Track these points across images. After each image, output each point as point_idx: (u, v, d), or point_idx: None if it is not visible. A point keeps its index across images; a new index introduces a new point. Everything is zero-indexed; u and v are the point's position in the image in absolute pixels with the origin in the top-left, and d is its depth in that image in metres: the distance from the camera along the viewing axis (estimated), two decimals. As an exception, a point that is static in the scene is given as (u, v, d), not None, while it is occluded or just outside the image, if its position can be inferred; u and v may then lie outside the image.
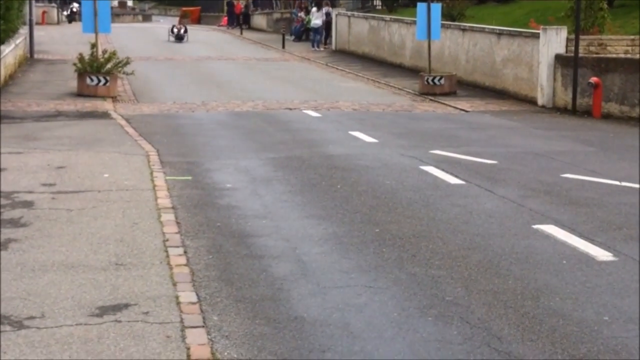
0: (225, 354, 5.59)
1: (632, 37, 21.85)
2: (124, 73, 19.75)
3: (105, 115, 16.82)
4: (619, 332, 5.99)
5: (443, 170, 11.79)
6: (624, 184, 11.06)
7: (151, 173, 11.05)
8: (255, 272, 7.29)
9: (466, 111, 19.00)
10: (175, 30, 40.33)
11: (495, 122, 17.38)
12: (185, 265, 7.37)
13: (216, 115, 17.51)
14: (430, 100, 20.83)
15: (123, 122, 15.81)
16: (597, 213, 9.46)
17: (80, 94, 19.16)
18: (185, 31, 40.12)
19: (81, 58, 19.32)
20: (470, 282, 7.09)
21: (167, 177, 10.95)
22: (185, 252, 7.75)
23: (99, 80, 19.15)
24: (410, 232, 8.60)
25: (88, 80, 19.15)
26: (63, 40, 35.97)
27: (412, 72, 25.55)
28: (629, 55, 20.05)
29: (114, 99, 19.13)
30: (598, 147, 14.26)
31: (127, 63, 19.43)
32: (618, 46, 21.19)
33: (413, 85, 22.91)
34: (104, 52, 19.86)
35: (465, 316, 6.29)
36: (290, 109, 18.74)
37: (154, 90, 21.46)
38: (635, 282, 7.10)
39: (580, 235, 8.51)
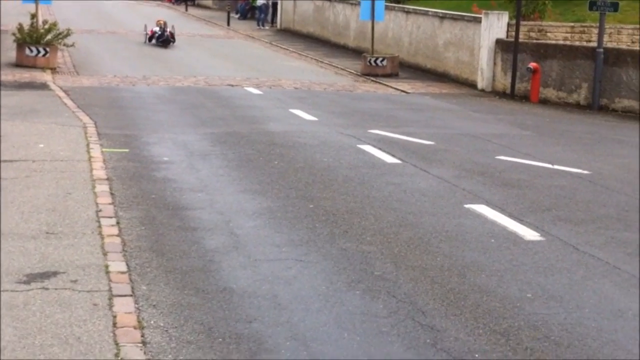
0: (152, 322, 5.60)
1: (572, 24, 22.23)
2: (64, 45, 19.45)
3: (43, 86, 16.58)
4: (541, 309, 6.14)
5: (380, 149, 11.90)
6: (556, 167, 11.29)
7: (87, 145, 10.94)
8: (187, 244, 7.30)
9: (407, 92, 19.15)
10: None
11: (435, 104, 17.55)
12: (117, 235, 7.34)
13: (157, 90, 17.38)
14: (372, 81, 20.94)
15: (61, 94, 15.61)
16: (528, 194, 9.66)
17: (19, 64, 18.84)
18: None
19: (20, 28, 18.99)
20: (399, 258, 7.19)
21: (104, 149, 10.87)
22: (117, 222, 7.72)
23: (39, 51, 18.85)
24: (344, 208, 8.69)
25: (27, 51, 18.83)
26: (3, 11, 35.21)
27: (356, 52, 25.64)
28: (567, 42, 20.40)
29: (54, 70, 18.86)
30: (534, 131, 14.51)
31: (67, 35, 19.15)
32: (558, 33, 21.54)
33: (355, 65, 23.00)
34: (45, 23, 19.53)
35: (392, 291, 6.39)
36: (232, 85, 18.68)
37: (94, 63, 21.19)
38: (560, 261, 7.28)
39: (510, 215, 8.68)
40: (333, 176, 10.15)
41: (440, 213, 8.68)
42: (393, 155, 11.52)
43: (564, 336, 5.65)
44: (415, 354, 5.27)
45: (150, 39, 26.32)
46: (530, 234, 8.02)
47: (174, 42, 26.09)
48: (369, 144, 12.28)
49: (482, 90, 19.90)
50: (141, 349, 5.15)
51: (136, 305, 5.85)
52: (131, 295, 6.01)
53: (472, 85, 20.39)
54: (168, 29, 26.22)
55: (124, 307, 5.78)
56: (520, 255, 7.38)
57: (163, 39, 25.94)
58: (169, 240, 7.39)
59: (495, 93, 19.66)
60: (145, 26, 27.09)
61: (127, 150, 11.04)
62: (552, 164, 11.43)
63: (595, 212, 9.01)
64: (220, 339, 5.39)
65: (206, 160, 10.77)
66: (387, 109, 16.32)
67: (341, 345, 5.38)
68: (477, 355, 5.29)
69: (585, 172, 11.03)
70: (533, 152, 12.29)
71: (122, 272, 6.44)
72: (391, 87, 19.96)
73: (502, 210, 8.83)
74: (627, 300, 6.37)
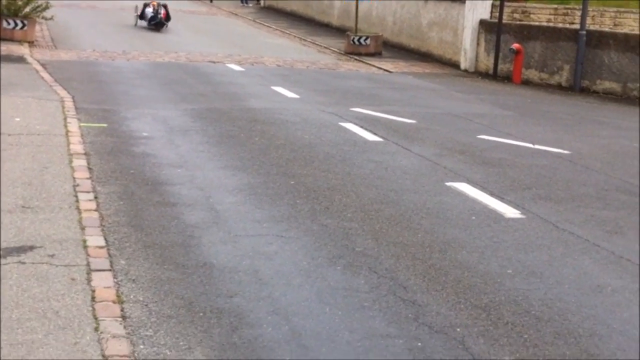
0: (131, 296, 5.55)
1: (555, 6, 22.22)
2: (42, 18, 19.23)
3: (21, 59, 16.38)
4: (521, 285, 6.14)
5: (362, 127, 11.86)
6: (537, 146, 11.29)
7: (65, 119, 10.83)
8: (167, 219, 7.23)
9: (389, 72, 19.10)
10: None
11: (418, 83, 17.51)
12: (95, 210, 7.26)
13: (137, 65, 17.22)
14: (355, 59, 20.87)
15: (39, 68, 15.44)
16: (508, 173, 9.65)
17: (-4, 37, 18.63)
18: None
19: (-2, 1, 18.76)
20: (380, 234, 7.16)
21: (81, 124, 10.76)
22: (95, 197, 7.64)
23: (16, 24, 18.63)
24: (325, 185, 8.64)
25: (5, 24, 18.60)
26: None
27: (339, 31, 25.54)
28: (550, 24, 20.40)
29: (31, 44, 18.65)
30: (515, 111, 14.51)
31: (46, 8, 18.94)
32: (541, 14, 21.54)
33: (339, 44, 22.91)
34: (23, -5, 19.29)
35: (373, 266, 6.37)
36: (214, 62, 18.55)
37: (73, 37, 20.97)
38: (540, 238, 7.28)
39: (491, 193, 8.67)
40: (314, 153, 10.10)
41: (422, 190, 8.66)
42: (375, 133, 11.48)
43: (544, 311, 5.65)
44: (397, 328, 5.25)
45: (141, 18, 24.15)
46: (510, 212, 8.02)
47: (167, 25, 23.90)
48: (350, 121, 12.23)
49: (465, 71, 19.88)
50: (120, 323, 5.09)
51: (115, 280, 5.79)
52: (110, 270, 5.94)
53: (455, 65, 20.36)
54: (162, 11, 23.82)
55: (103, 281, 5.71)
56: (500, 232, 7.38)
57: (156, 22, 23.65)
58: (148, 215, 7.33)
59: (478, 73, 19.65)
60: (137, 7, 24.59)
61: (105, 125, 10.93)
62: (533, 144, 11.44)
63: (575, 190, 9.02)
64: (201, 314, 5.34)
65: (186, 136, 10.69)
66: (369, 88, 16.27)
67: (323, 319, 5.35)
68: (458, 330, 5.28)
69: (566, 152, 11.04)
70: (514, 132, 12.29)
71: (101, 247, 6.37)
72: (374, 66, 19.90)
73: (483, 189, 8.82)
74: (606, 277, 6.39)
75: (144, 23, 24.16)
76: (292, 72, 17.90)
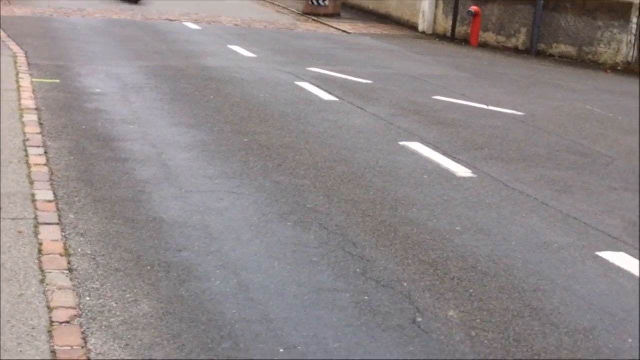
0: (79, 250, 5.52)
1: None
2: (-4, -27, 18.87)
3: (-27, 15, 16.09)
4: (469, 241, 6.21)
5: (318, 87, 11.84)
6: (491, 108, 11.38)
7: (17, 74, 10.67)
8: (118, 175, 7.19)
9: (348, 33, 19.05)
10: None
11: (375, 44, 17.50)
12: (45, 165, 7.19)
13: (92, 22, 16.99)
14: (314, 20, 20.79)
15: (-8, 23, 15.18)
16: (462, 133, 9.72)
17: (-52, -8, 18.25)
18: None
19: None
20: (332, 191, 7.19)
21: (34, 80, 10.61)
22: (45, 152, 7.56)
23: (-32, -20, 18.25)
24: (279, 143, 8.64)
25: (-44, -21, 18.22)
26: None
27: (298, -8, 25.37)
28: (508, -13, 20.44)
29: (-16, -1, 18.31)
30: (471, 74, 14.57)
31: (-1, -37, 18.55)
32: (499, -23, 21.55)
33: (298, 5, 22.78)
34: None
35: (324, 223, 6.40)
36: (170, 20, 18.36)
37: (28, -6, 20.61)
38: (490, 196, 7.36)
39: (444, 153, 8.73)
40: (269, 112, 10.08)
41: (375, 149, 8.69)
42: (331, 93, 11.48)
43: (490, 267, 5.73)
44: (345, 283, 5.30)
45: None
46: (462, 171, 8.09)
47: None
48: (307, 81, 12.20)
49: (423, 33, 19.90)
50: (67, 276, 5.07)
51: (63, 234, 5.75)
52: (58, 224, 5.90)
53: (413, 27, 20.37)
54: None
55: (51, 235, 5.67)
56: (451, 190, 7.45)
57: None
58: (98, 170, 7.27)
59: (436, 36, 19.68)
60: None
61: (58, 81, 10.79)
62: (487, 105, 11.52)
63: (526, 151, 9.12)
64: (149, 267, 5.34)
65: (140, 93, 10.59)
66: (327, 48, 16.22)
67: (271, 274, 5.37)
68: (405, 284, 5.34)
69: (520, 113, 11.14)
70: (469, 94, 12.36)
71: (49, 201, 6.32)
72: (332, 27, 19.83)
73: (436, 148, 8.88)
74: (553, 234, 6.49)
75: None
76: (250, 32, 17.77)
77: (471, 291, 5.33)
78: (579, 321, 4.99)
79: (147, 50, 14.01)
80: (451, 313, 4.98)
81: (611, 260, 6.00)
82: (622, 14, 16.74)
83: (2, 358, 4.09)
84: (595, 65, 16.91)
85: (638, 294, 5.44)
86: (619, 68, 16.61)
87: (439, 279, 5.49)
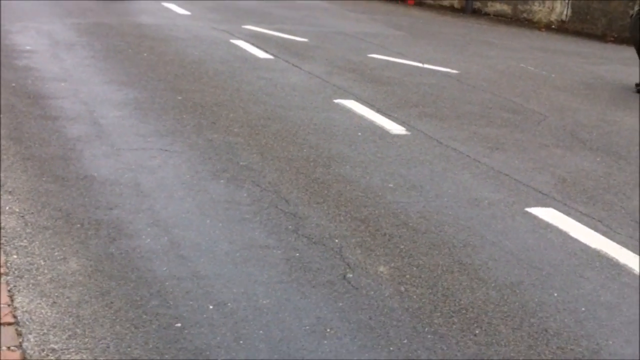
0: (7, 208, 5.42)
1: None
2: None
3: None
4: (401, 198, 6.26)
5: (253, 45, 11.76)
6: (426, 66, 11.43)
7: (-57, 30, 10.39)
8: (48, 133, 7.06)
9: (284, -9, 18.92)
10: None
11: (312, 3, 17.41)
12: (-28, 122, 7.04)
13: (22, -22, 16.56)
14: (250, -22, 20.57)
15: None
16: (397, 91, 9.76)
17: None
18: None
19: None
20: (266, 149, 7.17)
21: (-39, 36, 10.34)
22: (-28, 109, 7.40)
23: None
24: (213, 101, 8.57)
25: None
26: None
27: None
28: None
29: None
30: (407, 32, 14.61)
31: None
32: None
33: (234, -38, 22.49)
34: None
35: (257, 180, 6.38)
36: (103, -24, 17.99)
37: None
38: (423, 154, 7.43)
39: (378, 110, 8.76)
40: (204, 69, 9.98)
41: (310, 107, 8.68)
42: (266, 51, 11.40)
43: (421, 223, 5.79)
44: (276, 240, 5.31)
45: None
46: (396, 128, 8.14)
47: None
48: (242, 39, 12.10)
49: (360, -9, 19.84)
50: (-6, 235, 4.99)
51: (-10, 192, 5.65)
52: (-15, 182, 5.80)
53: (350, -15, 20.29)
54: None
55: (-23, 193, 5.57)
56: (385, 148, 7.49)
57: None
58: (28, 128, 7.13)
59: (373, -6, 19.64)
60: None
61: (-14, 37, 10.54)
62: (422, 63, 11.57)
63: (460, 109, 9.20)
64: (79, 225, 5.27)
65: (71, 50, 10.39)
66: (261, 6, 16.10)
67: (203, 231, 5.35)
68: (336, 241, 5.36)
69: (454, 71, 11.22)
70: (405, 52, 12.39)
71: (-24, 159, 6.19)
72: (268, -16, 19.65)
73: (371, 106, 8.90)
74: (484, 190, 6.57)
75: None
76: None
77: (402, 247, 5.38)
78: (506, 276, 5.08)
79: (79, 7, 13.73)
80: (381, 269, 5.02)
81: (540, 216, 6.10)
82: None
83: None
84: (530, 23, 17.07)
85: (566, 249, 5.56)
86: (553, 27, 16.80)
87: (370, 235, 5.53)
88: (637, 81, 11.15)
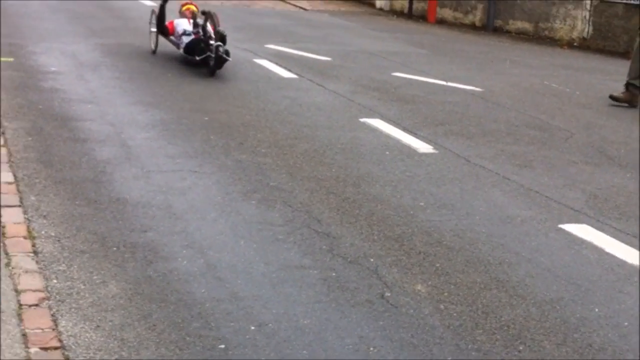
0: (43, 232, 5.44)
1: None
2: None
3: None
4: (433, 216, 6.25)
5: (277, 64, 11.80)
6: (449, 83, 11.43)
7: (-31, 54, 10.49)
8: (77, 155, 7.09)
9: (305, 10, 19.00)
10: None
11: (333, 21, 17.47)
12: (3, 146, 7.07)
13: None
14: (270, -3, 20.69)
15: (-60, 2, 14.87)
16: (422, 109, 9.75)
17: None
18: None
19: None
20: (294, 169, 7.17)
21: (-13, 59, 10.44)
22: (3, 133, 7.44)
23: None
24: (239, 121, 8.59)
25: None
26: None
27: (253, -31, 25.20)
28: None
29: None
30: (429, 50, 14.62)
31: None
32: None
33: (253, -18, 22.63)
34: None
35: (287, 200, 6.38)
36: (124, -2, 18.14)
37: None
38: (452, 172, 7.41)
39: (404, 129, 8.75)
40: (228, 89, 10.01)
41: (336, 126, 8.69)
42: (290, 70, 11.44)
43: (455, 241, 5.77)
44: (312, 260, 5.30)
45: (176, 45, 11.44)
46: (423, 147, 8.13)
47: (229, 58, 10.54)
48: (265, 58, 12.15)
49: (381, 10, 19.92)
50: (32, 259, 5.00)
51: (25, 216, 5.67)
52: (20, 206, 5.81)
53: (370, 4, 20.38)
54: (208, 25, 10.86)
55: (13, 217, 5.58)
56: (413, 166, 7.48)
57: (217, 57, 10.39)
58: (57, 151, 7.17)
59: (394, 12, 19.70)
60: (152, 12, 12.05)
61: (12, 59, 10.61)
62: (446, 81, 11.57)
63: (486, 126, 9.18)
64: (115, 248, 5.28)
65: (96, 71, 10.45)
66: (284, 25, 16.16)
67: (238, 252, 5.35)
68: (371, 260, 5.35)
69: (478, 89, 11.21)
70: (428, 70, 12.40)
71: (9, 183, 6.22)
72: (290, 3, 19.77)
73: (397, 124, 8.90)
74: (515, 208, 6.55)
75: (180, 50, 11.43)
76: (206, 9, 17.59)
77: (437, 265, 5.36)
78: (545, 292, 5.05)
79: (102, 27, 13.83)
80: (419, 287, 5.01)
81: (574, 232, 6.07)
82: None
83: (-32, 342, 4.03)
84: (552, 41, 17.06)
85: (603, 265, 5.52)
86: (575, 44, 16.78)
87: (405, 254, 5.51)
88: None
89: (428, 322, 4.58)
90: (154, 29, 11.76)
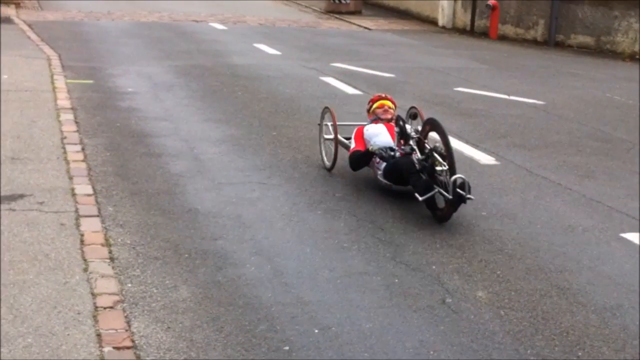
0: (119, 240, 5.75)
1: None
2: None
3: (7, 20, 16.45)
4: (495, 225, 6.38)
5: (342, 81, 12.05)
6: (512, 97, 11.53)
7: (52, 76, 10.97)
8: (152, 169, 7.43)
9: (369, 29, 19.24)
10: None
11: (396, 39, 17.67)
12: (83, 161, 7.45)
13: (121, 24, 17.30)
14: (336, 18, 21.01)
15: (25, 28, 15.55)
16: (484, 123, 9.88)
17: (-21, -1, 18.60)
18: None
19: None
20: (359, 181, 7.37)
21: (68, 80, 10.90)
22: (82, 149, 7.82)
23: (-1, -14, 18.54)
24: (306, 136, 8.84)
25: (-13, -14, 18.47)
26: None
27: (319, -10, 25.57)
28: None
29: (18, 5, 18.76)
30: (491, 65, 14.71)
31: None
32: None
33: (320, 3, 22.99)
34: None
35: (352, 210, 6.59)
36: (197, 21, 18.64)
37: (56, -2, 21.00)
38: (513, 182, 7.53)
39: (467, 141, 8.90)
40: (295, 106, 10.29)
41: (400, 140, 8.85)
42: (355, 87, 11.67)
43: (517, 249, 5.90)
44: (375, 267, 5.49)
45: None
46: (486, 159, 8.26)
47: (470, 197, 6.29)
48: (331, 76, 12.41)
49: (443, 27, 20.03)
50: (109, 264, 5.30)
51: (103, 225, 5.99)
52: (98, 216, 6.14)
53: (433, 22, 20.51)
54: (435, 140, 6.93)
55: (91, 226, 5.91)
56: (476, 177, 7.61)
57: (455, 196, 6.17)
58: (134, 165, 7.52)
59: (456, 30, 19.80)
60: (326, 111, 8.01)
61: (91, 81, 11.08)
62: (508, 95, 11.67)
63: (548, 138, 9.27)
64: (187, 255, 5.56)
65: (170, 91, 10.85)
66: (349, 44, 16.42)
67: (304, 259, 5.58)
68: (434, 267, 5.52)
69: (540, 102, 11.28)
70: (490, 84, 12.51)
71: (88, 195, 6.56)
72: (354, 24, 20.03)
73: (460, 137, 9.04)
74: (577, 217, 6.64)
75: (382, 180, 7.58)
76: (274, 31, 18.00)
77: (498, 272, 5.50)
78: (605, 300, 5.14)
79: (176, 50, 14.28)
80: (480, 294, 5.15)
81: (635, 241, 6.14)
82: (638, 3, 16.79)
83: (50, 341, 4.32)
84: (614, 54, 16.97)
85: (660, 272, 5.58)
86: (637, 57, 16.66)
87: (467, 261, 5.66)
88: None
89: (488, 327, 4.72)
90: (328, 136, 7.83)
